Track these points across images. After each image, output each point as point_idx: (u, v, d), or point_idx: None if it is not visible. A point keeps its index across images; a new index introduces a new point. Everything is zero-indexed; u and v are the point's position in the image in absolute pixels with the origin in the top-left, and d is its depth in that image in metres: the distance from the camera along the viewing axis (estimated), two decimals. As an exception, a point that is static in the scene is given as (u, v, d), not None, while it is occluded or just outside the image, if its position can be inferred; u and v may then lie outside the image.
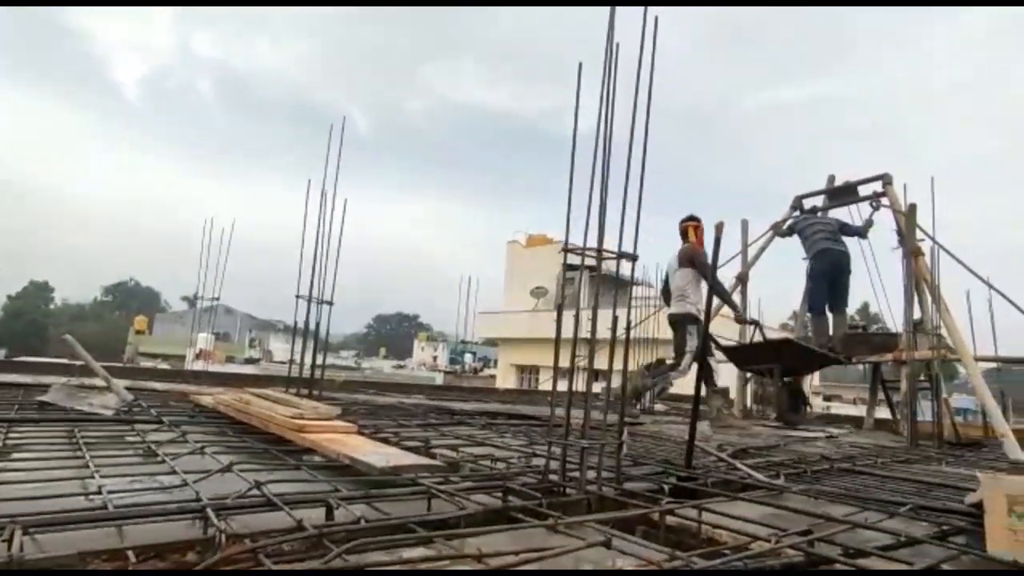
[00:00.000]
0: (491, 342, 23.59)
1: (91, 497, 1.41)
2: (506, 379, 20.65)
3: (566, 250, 2.00)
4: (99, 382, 3.33)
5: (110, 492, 1.43)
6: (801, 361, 6.10)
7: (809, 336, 6.42)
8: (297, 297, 3.94)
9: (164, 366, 12.75)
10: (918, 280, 5.21)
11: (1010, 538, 1.23)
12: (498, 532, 1.33)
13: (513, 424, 4.00)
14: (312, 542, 1.14)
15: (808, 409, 6.52)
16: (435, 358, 38.88)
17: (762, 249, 6.68)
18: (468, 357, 26.88)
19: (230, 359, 27.24)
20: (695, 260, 5.34)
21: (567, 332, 2.09)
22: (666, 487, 1.99)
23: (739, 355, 6.23)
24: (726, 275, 6.60)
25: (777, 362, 5.92)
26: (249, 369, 17.26)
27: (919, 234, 5.28)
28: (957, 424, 5.30)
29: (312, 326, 4.09)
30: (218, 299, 9.88)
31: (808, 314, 6.69)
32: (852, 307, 7.38)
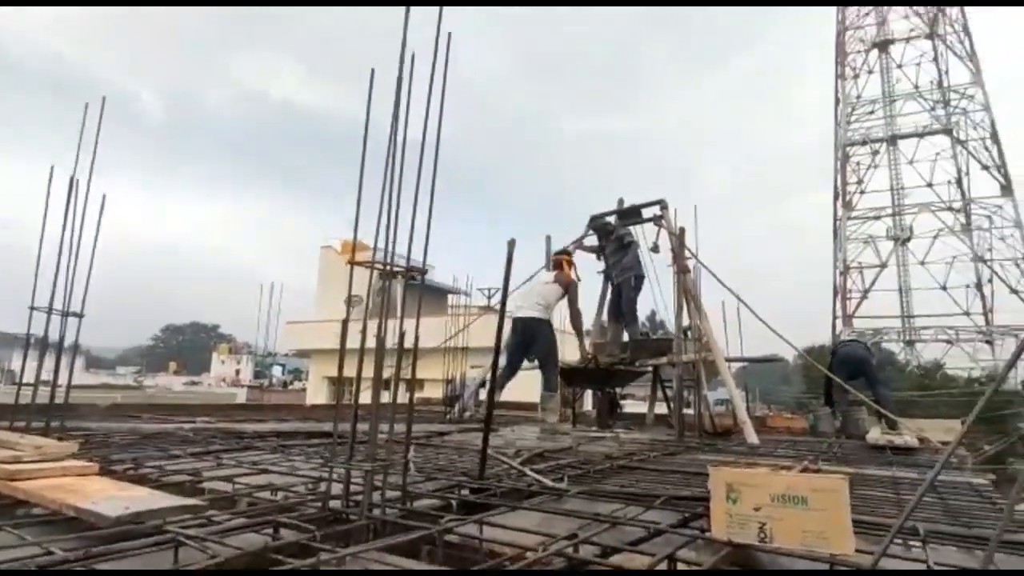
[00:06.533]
0: (303, 353, 22.04)
1: None
2: (318, 393, 19.47)
3: (352, 263, 1.91)
4: None
5: None
6: (624, 378, 6.98)
7: (607, 341, 7.20)
8: (31, 309, 3.20)
9: None
10: (686, 293, 6.06)
11: (727, 520, 1.44)
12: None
13: (311, 444, 3.73)
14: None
15: (620, 411, 7.34)
16: (237, 372, 35.18)
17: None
18: (276, 370, 24.80)
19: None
20: (568, 290, 5.92)
21: (373, 342, 2.00)
22: (454, 502, 1.99)
23: (572, 376, 6.71)
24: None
25: (606, 382, 6.63)
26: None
27: (687, 253, 6.16)
28: (717, 414, 6.30)
29: (69, 340, 3.36)
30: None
31: (606, 322, 7.52)
32: (642, 314, 8.36)
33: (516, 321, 5.90)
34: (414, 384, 2.84)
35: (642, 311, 7.92)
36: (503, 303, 3.45)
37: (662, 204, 6.70)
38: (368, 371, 1.91)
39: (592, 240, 7.51)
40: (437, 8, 2.19)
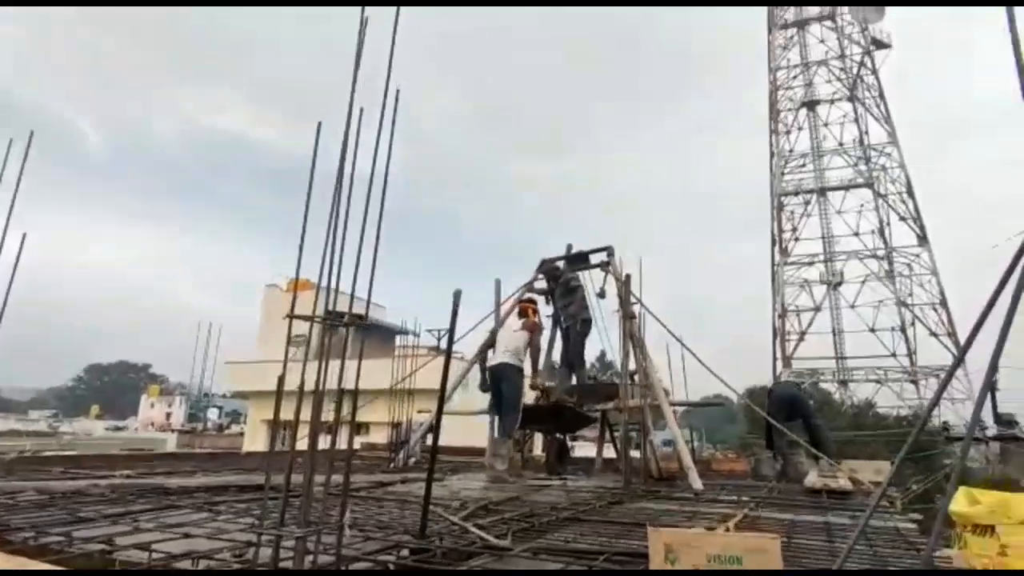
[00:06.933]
0: (242, 395, 21.00)
1: None
2: (256, 438, 18.51)
3: (291, 316, 1.86)
4: None
5: None
6: (573, 424, 6.98)
7: (556, 384, 7.19)
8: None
9: None
10: (632, 338, 6.17)
11: (667, 581, 1.43)
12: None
13: (243, 500, 3.52)
14: None
15: (569, 455, 7.31)
16: (168, 416, 33.09)
17: (512, 308, 7.25)
18: (213, 412, 23.50)
19: None
20: (532, 335, 6.13)
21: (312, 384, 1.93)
22: (391, 565, 1.90)
23: (524, 416, 6.64)
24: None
25: (554, 423, 6.64)
26: None
27: (632, 299, 6.31)
28: (663, 456, 6.34)
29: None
30: None
31: (556, 364, 7.58)
32: (592, 355, 8.47)
33: (490, 369, 6.05)
34: (353, 431, 2.75)
35: (592, 352, 8.02)
36: (448, 350, 3.42)
37: (609, 251, 6.88)
38: (308, 415, 1.85)
39: (542, 284, 7.61)
40: (389, 51, 2.23)
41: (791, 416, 6.87)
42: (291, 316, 1.83)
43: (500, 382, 5.89)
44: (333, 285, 2.86)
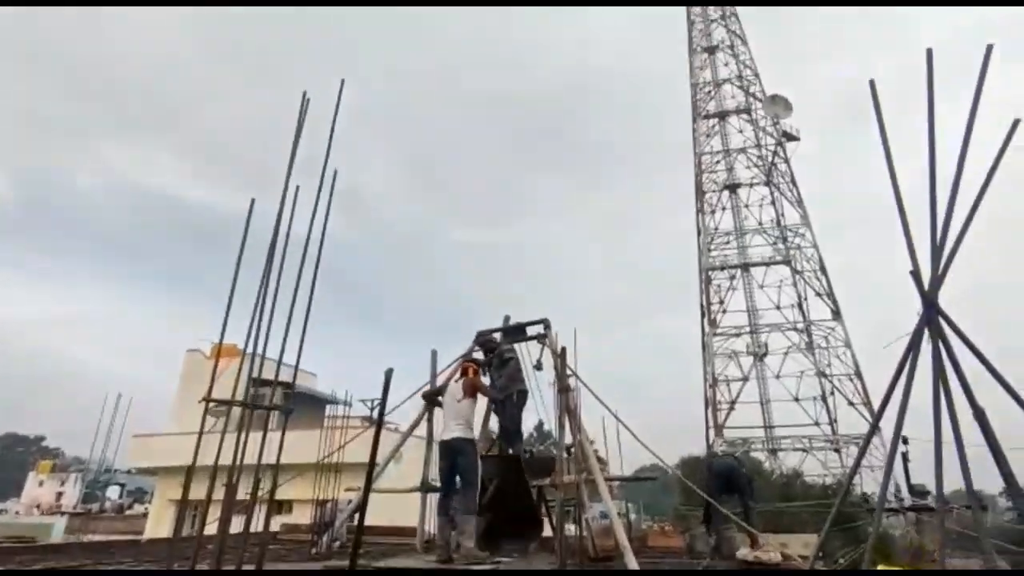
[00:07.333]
0: (149, 471, 19.14)
1: None
2: (162, 520, 16.77)
3: (207, 400, 1.73)
4: None
5: None
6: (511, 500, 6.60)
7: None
8: None
9: None
10: (568, 412, 6.15)
11: None
12: None
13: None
14: None
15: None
16: (60, 495, 29.57)
17: (449, 378, 7.12)
18: (113, 491, 21.24)
19: None
20: (480, 391, 6.04)
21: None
22: None
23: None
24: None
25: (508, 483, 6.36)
26: None
27: (568, 371, 6.34)
28: (599, 531, 6.19)
29: None
30: None
31: (493, 433, 7.45)
32: (531, 424, 8.33)
33: (442, 444, 5.79)
34: (272, 511, 2.52)
35: (531, 422, 7.92)
36: (378, 428, 3.28)
37: (545, 323, 6.95)
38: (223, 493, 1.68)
39: (479, 355, 7.56)
40: (330, 128, 2.24)
41: (728, 490, 6.94)
42: (207, 400, 1.71)
43: (455, 457, 5.66)
44: (260, 351, 2.72)
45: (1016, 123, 2.33)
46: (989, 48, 2.41)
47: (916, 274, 2.22)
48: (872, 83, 2.62)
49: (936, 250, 2.14)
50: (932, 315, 2.14)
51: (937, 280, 2.17)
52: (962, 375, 2.12)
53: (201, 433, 2.00)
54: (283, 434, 2.60)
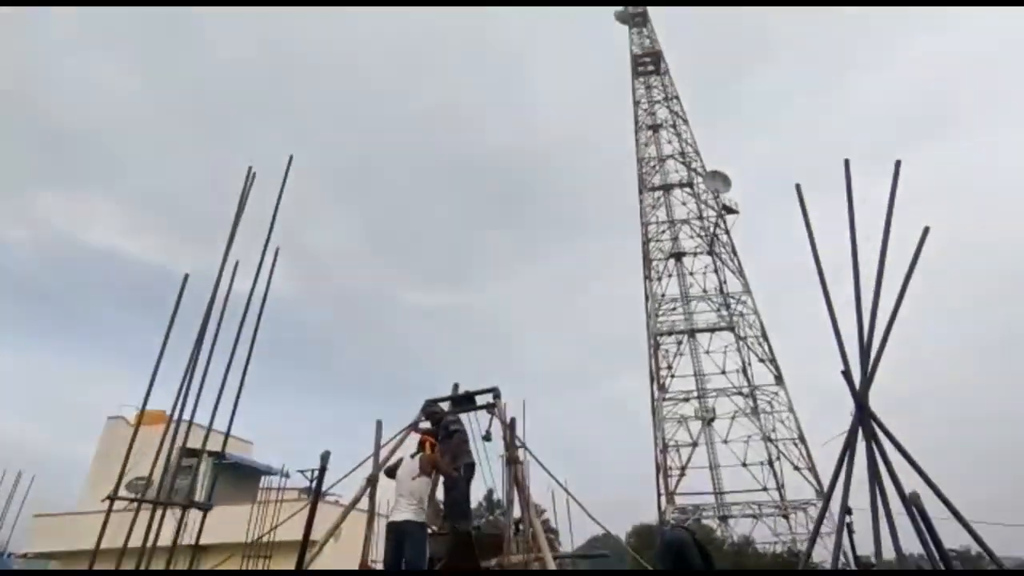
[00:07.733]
0: (51, 556, 17.12)
1: None
2: (63, 613, 14.87)
3: (112, 498, 1.57)
4: None
5: None
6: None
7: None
8: None
9: None
10: (517, 484, 5.98)
11: None
12: None
13: None
14: None
15: None
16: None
17: (392, 451, 6.85)
18: (8, 579, 18.80)
19: None
20: (436, 468, 5.79)
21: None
22: None
23: None
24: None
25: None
26: None
27: (517, 443, 6.21)
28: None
29: None
30: None
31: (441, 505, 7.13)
32: (479, 493, 7.98)
33: (390, 526, 5.38)
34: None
35: (481, 492, 7.61)
36: (315, 500, 3.07)
37: (495, 392, 6.84)
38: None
39: (426, 425, 7.31)
40: (276, 199, 2.19)
41: (677, 563, 6.78)
42: (113, 498, 1.54)
43: (403, 539, 5.31)
44: (188, 417, 2.54)
45: (926, 231, 2.52)
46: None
47: (848, 375, 2.31)
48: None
49: (864, 353, 2.24)
50: (863, 416, 2.22)
51: (867, 381, 2.26)
52: (891, 468, 2.19)
53: (104, 526, 1.81)
54: (203, 520, 2.39)
